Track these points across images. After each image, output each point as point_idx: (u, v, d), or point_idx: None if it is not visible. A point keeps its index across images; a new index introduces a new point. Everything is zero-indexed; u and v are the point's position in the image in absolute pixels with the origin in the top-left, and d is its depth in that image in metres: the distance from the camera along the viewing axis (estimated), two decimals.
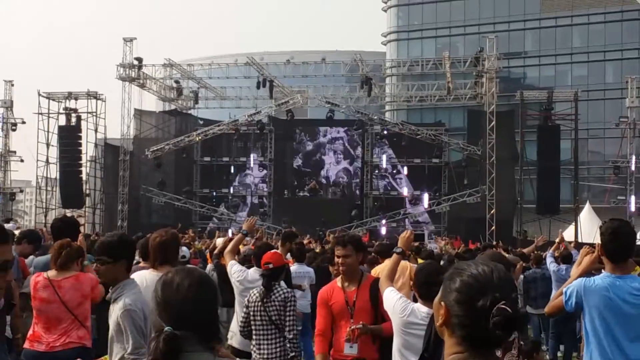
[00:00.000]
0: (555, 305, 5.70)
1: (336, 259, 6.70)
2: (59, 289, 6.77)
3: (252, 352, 7.22)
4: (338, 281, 6.73)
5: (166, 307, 3.01)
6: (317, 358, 6.62)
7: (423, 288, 5.67)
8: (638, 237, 5.94)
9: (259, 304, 7.16)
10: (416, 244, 16.23)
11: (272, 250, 8.00)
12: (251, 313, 7.23)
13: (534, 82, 61.99)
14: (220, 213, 42.01)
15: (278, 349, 7.07)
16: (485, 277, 2.47)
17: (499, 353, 4.52)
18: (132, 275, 6.64)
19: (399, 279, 9.97)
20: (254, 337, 7.22)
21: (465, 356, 2.45)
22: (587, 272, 5.85)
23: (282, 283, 7.46)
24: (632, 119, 40.17)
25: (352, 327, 6.16)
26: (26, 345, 6.88)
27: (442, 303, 2.53)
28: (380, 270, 9.79)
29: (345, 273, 6.59)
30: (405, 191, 42.44)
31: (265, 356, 7.08)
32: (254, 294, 7.28)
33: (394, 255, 6.33)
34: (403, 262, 10.24)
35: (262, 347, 7.10)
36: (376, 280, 6.57)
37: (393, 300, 5.75)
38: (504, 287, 2.45)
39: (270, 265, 7.26)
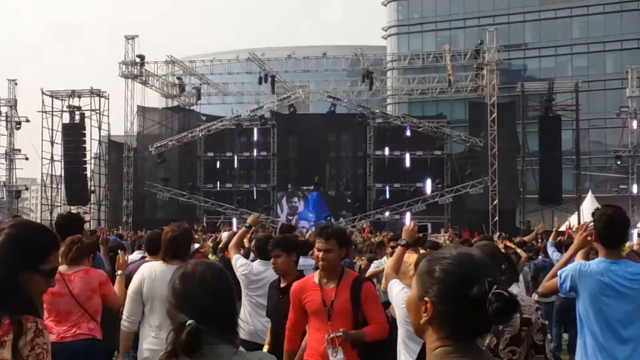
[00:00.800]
0: (548, 286, 5.81)
1: (316, 252, 6.06)
2: (69, 282, 6.81)
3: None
4: (315, 276, 6.08)
5: (188, 299, 2.98)
6: (285, 355, 6.25)
7: None
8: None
9: None
10: (419, 235, 16.29)
11: None
12: None
13: (535, 74, 62.11)
14: (224, 208, 42.20)
15: None
16: (467, 262, 2.34)
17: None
18: (141, 267, 6.80)
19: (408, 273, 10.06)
20: None
21: (451, 350, 2.32)
22: (579, 250, 5.97)
23: None
24: (633, 109, 40.32)
25: (332, 335, 5.68)
26: None
27: (426, 299, 2.34)
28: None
29: (325, 269, 5.95)
30: (407, 184, 42.50)
31: None
32: None
33: (399, 247, 6.34)
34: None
35: None
36: (357, 278, 6.15)
37: (396, 291, 5.78)
38: (490, 269, 2.34)
39: None
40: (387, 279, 6.06)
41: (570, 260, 5.92)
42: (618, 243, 5.52)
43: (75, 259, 6.93)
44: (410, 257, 10.10)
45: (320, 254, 5.92)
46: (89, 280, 6.92)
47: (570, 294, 5.62)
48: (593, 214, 5.61)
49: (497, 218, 36.48)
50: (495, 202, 37.01)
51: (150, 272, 6.45)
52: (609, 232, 5.44)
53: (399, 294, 5.71)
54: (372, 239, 19.69)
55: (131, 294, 6.53)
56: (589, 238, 5.69)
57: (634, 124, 39.82)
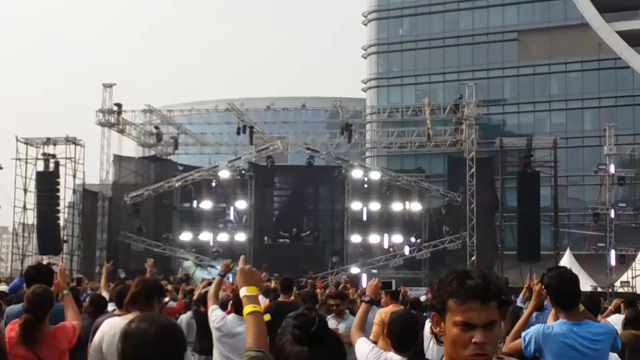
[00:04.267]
0: (512, 347, 5.76)
1: (456, 333, 2.92)
2: (35, 346, 6.43)
3: None
4: None
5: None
6: None
7: (396, 339, 5.68)
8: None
9: None
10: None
11: None
12: None
13: (513, 129, 62.55)
14: (199, 259, 41.69)
15: None
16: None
17: None
18: (103, 323, 6.52)
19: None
20: None
21: None
22: (539, 306, 6.20)
23: None
24: (611, 167, 40.41)
25: None
26: None
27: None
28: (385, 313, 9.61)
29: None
30: (385, 237, 42.27)
31: None
32: None
33: (363, 304, 6.22)
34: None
35: None
36: None
37: (366, 350, 5.61)
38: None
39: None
40: (354, 337, 5.87)
41: (529, 317, 6.10)
42: (574, 302, 5.52)
43: (33, 340, 6.42)
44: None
45: (479, 335, 2.87)
46: (57, 344, 6.55)
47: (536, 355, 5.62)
48: (541, 280, 5.72)
49: None
50: (473, 258, 36.79)
51: (110, 328, 6.28)
52: (562, 292, 5.48)
53: (369, 353, 5.55)
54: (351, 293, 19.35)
55: (92, 352, 6.38)
56: (542, 293, 5.78)
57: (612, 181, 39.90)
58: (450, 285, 2.95)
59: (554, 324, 5.53)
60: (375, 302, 6.57)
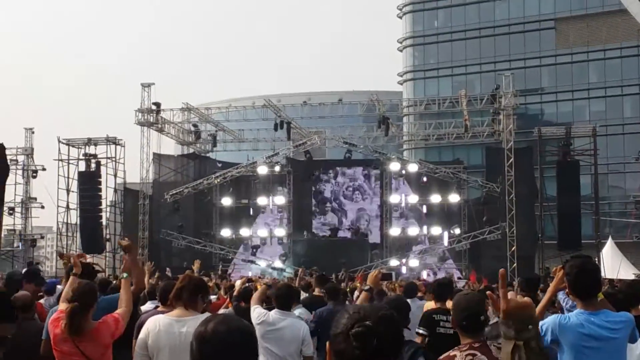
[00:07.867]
0: None
1: None
2: (79, 342, 6.54)
3: None
4: None
5: None
6: None
7: None
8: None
9: None
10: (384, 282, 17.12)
11: None
12: None
13: (552, 118, 61.92)
14: (240, 255, 41.94)
15: None
16: (358, 311, 2.66)
17: None
18: (147, 321, 6.63)
19: None
20: None
21: None
22: (556, 292, 6.18)
23: None
24: None
25: None
26: None
27: (327, 343, 2.70)
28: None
29: None
30: (424, 229, 42.22)
31: None
32: None
33: (363, 293, 6.65)
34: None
35: None
36: None
37: None
38: (370, 315, 2.62)
39: None
40: None
41: (547, 305, 6.08)
42: (592, 293, 5.47)
43: (78, 331, 6.54)
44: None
45: None
46: (101, 339, 6.65)
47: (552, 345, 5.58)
48: (563, 266, 5.63)
49: (515, 264, 36.00)
50: (513, 249, 36.57)
51: (155, 326, 6.34)
52: (580, 282, 5.43)
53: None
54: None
55: (137, 349, 6.39)
56: (562, 275, 5.69)
57: None
58: None
59: (571, 314, 5.52)
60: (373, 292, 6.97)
